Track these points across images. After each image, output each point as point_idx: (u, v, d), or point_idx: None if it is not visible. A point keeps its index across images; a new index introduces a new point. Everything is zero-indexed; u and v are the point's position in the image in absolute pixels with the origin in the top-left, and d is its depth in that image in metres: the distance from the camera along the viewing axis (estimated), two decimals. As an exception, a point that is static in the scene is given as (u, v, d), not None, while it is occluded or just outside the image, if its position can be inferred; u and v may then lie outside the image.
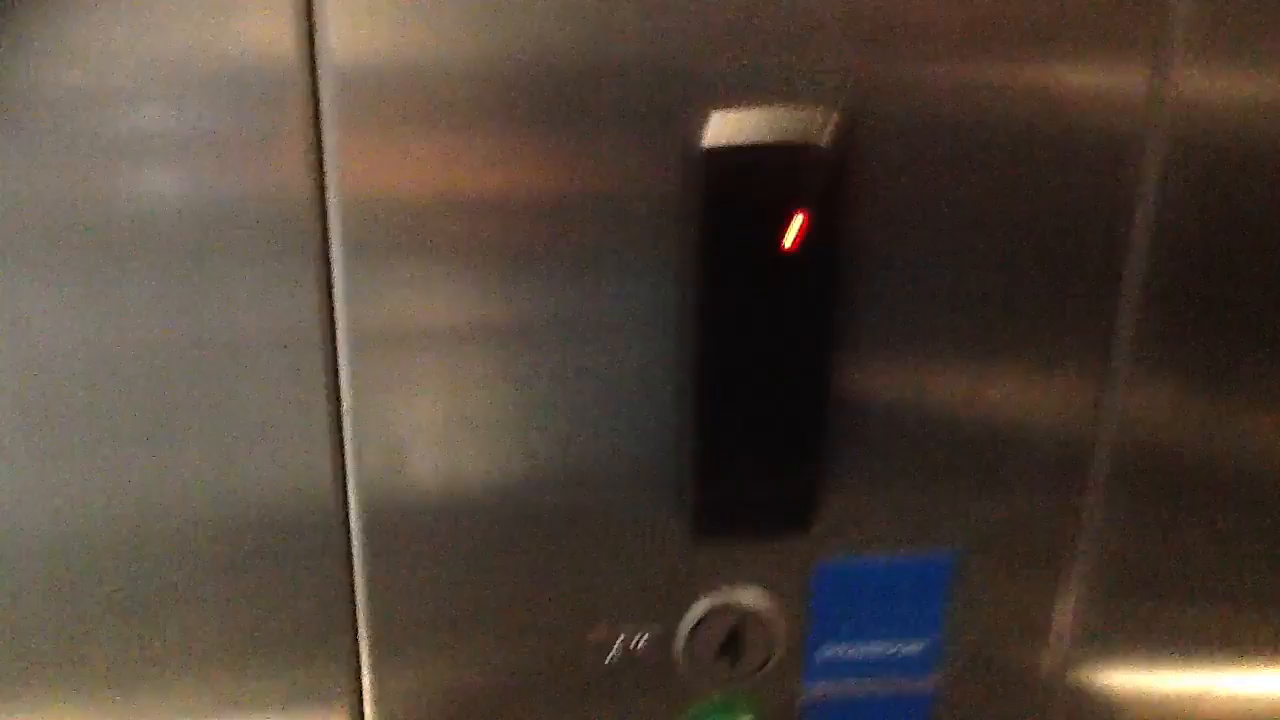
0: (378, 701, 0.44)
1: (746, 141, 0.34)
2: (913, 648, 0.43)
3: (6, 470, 0.41)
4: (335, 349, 0.39)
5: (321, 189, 0.36)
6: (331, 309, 0.39)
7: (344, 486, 0.41)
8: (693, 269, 0.36)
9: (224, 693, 0.45)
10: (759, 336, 0.36)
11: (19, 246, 0.37)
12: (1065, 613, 0.45)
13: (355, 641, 0.43)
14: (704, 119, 0.34)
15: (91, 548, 0.42)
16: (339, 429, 0.40)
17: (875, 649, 0.43)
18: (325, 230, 0.37)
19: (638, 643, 0.42)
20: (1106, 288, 0.39)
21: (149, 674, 0.44)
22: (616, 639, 0.43)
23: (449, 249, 0.37)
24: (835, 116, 0.34)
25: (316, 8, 0.33)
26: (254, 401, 0.40)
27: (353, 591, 0.43)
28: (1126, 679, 0.47)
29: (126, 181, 0.36)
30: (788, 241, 0.34)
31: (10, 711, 0.45)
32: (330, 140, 0.35)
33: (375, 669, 0.44)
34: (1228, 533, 0.45)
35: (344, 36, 0.33)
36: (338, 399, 0.40)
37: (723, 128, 0.34)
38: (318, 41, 0.34)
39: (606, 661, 0.43)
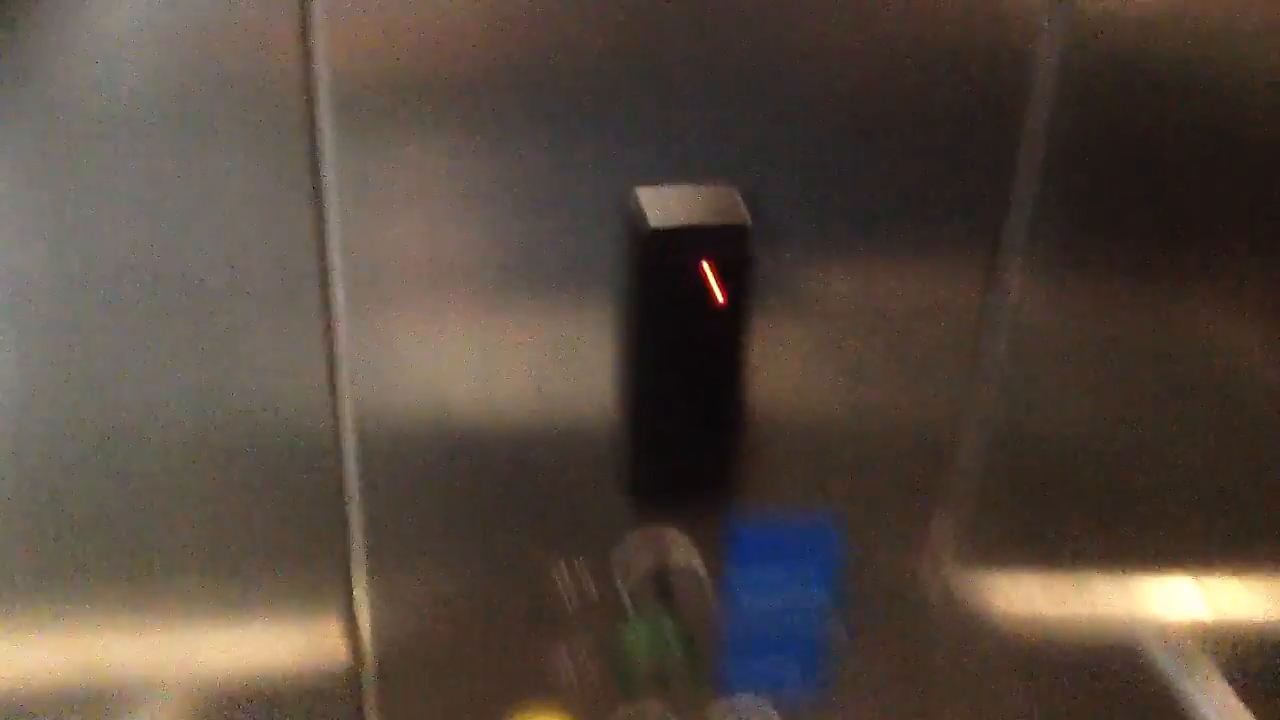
0: (370, 607, 0.47)
1: (684, 223, 0.38)
2: (812, 578, 0.49)
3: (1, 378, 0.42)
4: (327, 267, 0.40)
5: (309, 71, 0.37)
6: (323, 223, 0.40)
7: (336, 402, 0.43)
8: (632, 316, 0.40)
9: (222, 599, 0.47)
10: (687, 363, 0.41)
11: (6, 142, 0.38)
12: (943, 530, 0.49)
13: (347, 551, 0.46)
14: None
15: (87, 456, 0.43)
16: (331, 344, 0.42)
17: (781, 581, 0.49)
18: (313, 116, 0.38)
19: (585, 576, 0.47)
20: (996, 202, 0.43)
21: (147, 581, 0.46)
22: (568, 571, 0.47)
23: (436, 149, 0.38)
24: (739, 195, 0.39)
25: None
26: (248, 311, 0.41)
27: (345, 504, 0.45)
28: (997, 585, 0.52)
29: (113, 68, 0.36)
30: (717, 297, 0.39)
31: (11, 616, 0.46)
32: (318, 15, 0.36)
33: (366, 577, 0.47)
34: (1100, 448, 0.49)
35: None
36: (329, 315, 0.41)
37: (658, 206, 0.38)
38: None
39: (560, 588, 0.47)
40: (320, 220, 0.38)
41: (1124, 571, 0.52)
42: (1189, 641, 0.54)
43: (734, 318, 0.40)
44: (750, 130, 0.39)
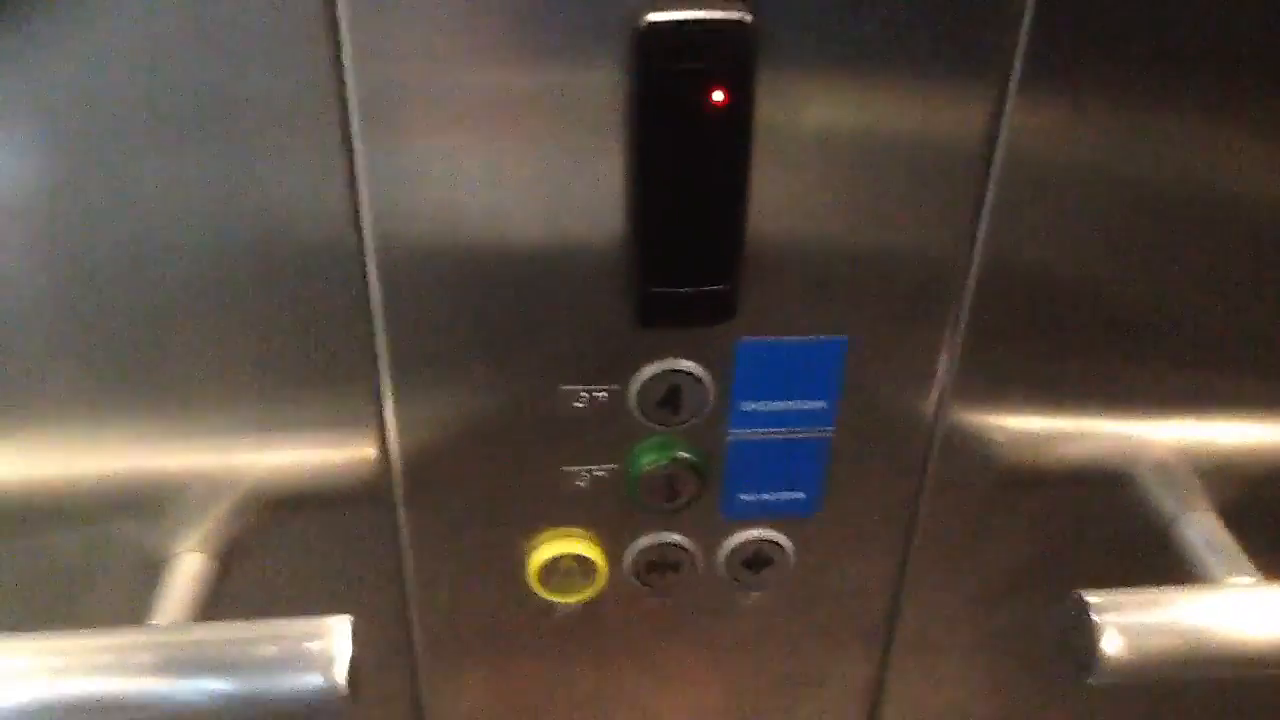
0: (400, 427, 0.50)
1: (682, 17, 0.40)
2: (815, 405, 0.51)
3: (4, 189, 0.43)
4: (344, 86, 0.41)
5: None
6: (338, 40, 0.41)
7: (359, 221, 0.44)
8: (635, 120, 0.42)
9: (256, 419, 0.49)
10: (691, 169, 0.43)
11: None
12: (945, 366, 0.51)
13: (376, 371, 0.48)
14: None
15: (112, 275, 0.45)
16: (352, 164, 0.43)
17: (785, 405, 0.51)
18: None
19: (600, 395, 0.50)
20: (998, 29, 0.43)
21: (176, 400, 0.48)
22: (584, 391, 0.50)
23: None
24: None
25: None
26: (268, 130, 0.42)
27: (371, 324, 0.47)
28: (998, 421, 0.54)
29: None
30: (717, 96, 0.41)
31: (37, 437, 0.49)
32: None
33: (397, 398, 0.49)
34: (1102, 281, 0.50)
35: None
36: (349, 133, 0.42)
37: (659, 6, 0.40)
38: None
39: (576, 406, 0.50)
40: (335, 39, 0.40)
41: (1122, 405, 0.54)
42: (1182, 474, 0.56)
43: (735, 119, 0.42)
44: None
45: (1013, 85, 0.44)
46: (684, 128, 0.42)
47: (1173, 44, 0.44)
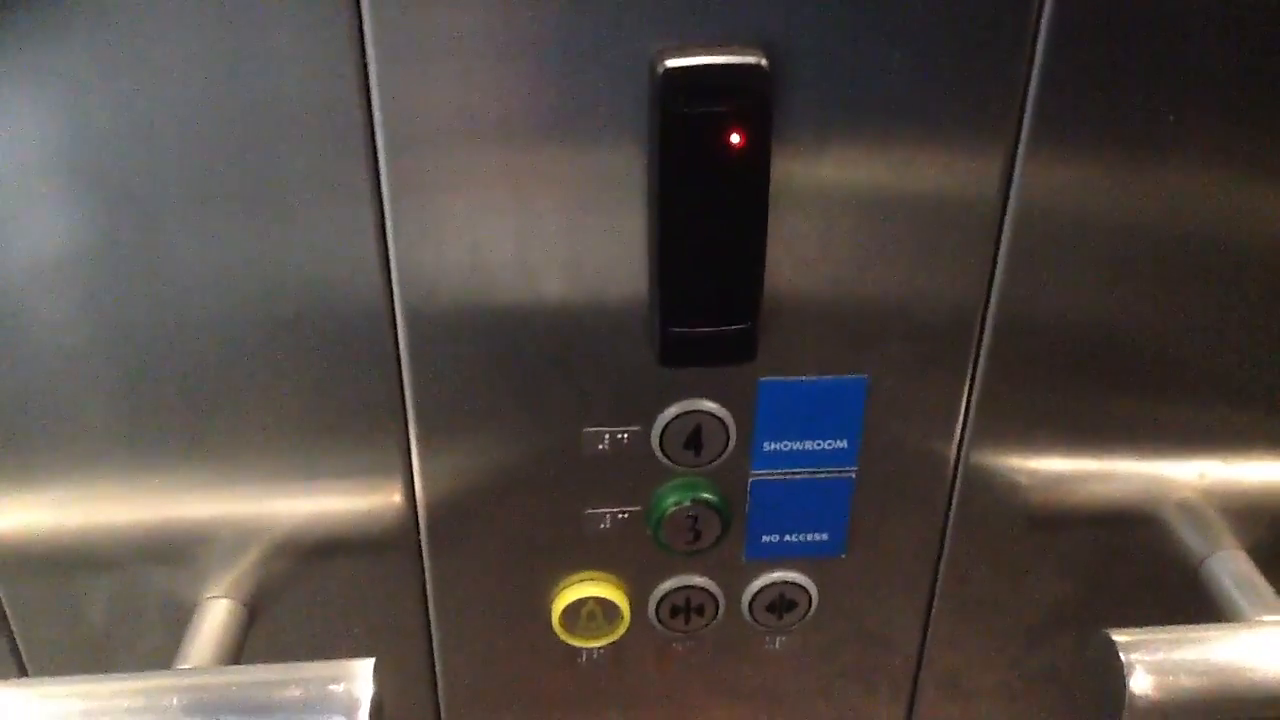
0: (425, 475, 0.51)
1: (701, 62, 0.41)
2: (837, 444, 0.52)
3: (51, 245, 0.44)
4: (374, 136, 0.42)
5: None
6: (369, 95, 0.42)
7: (389, 278, 0.45)
8: (656, 164, 0.43)
9: (286, 469, 0.50)
10: (711, 211, 0.44)
11: (30, 9, 0.39)
12: (966, 407, 0.51)
13: (405, 422, 0.49)
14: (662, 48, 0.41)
15: (151, 330, 0.46)
16: (382, 220, 0.44)
17: (807, 445, 0.52)
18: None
19: (623, 437, 0.50)
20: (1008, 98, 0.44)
21: (209, 451, 0.49)
22: (607, 433, 0.50)
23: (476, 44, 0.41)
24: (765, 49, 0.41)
25: None
26: (304, 194, 0.43)
27: (399, 375, 0.48)
28: (1021, 462, 0.54)
29: None
30: (735, 139, 0.42)
31: (74, 487, 0.50)
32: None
33: (422, 445, 0.50)
34: (1113, 334, 0.50)
35: None
36: (379, 189, 0.43)
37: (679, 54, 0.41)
38: None
39: (600, 449, 0.51)
40: (365, 86, 0.42)
41: (1146, 445, 0.54)
42: (1209, 513, 0.56)
43: (753, 161, 0.43)
44: (777, 2, 0.41)
45: (1024, 135, 0.45)
46: (703, 170, 0.43)
47: (1176, 97, 0.45)
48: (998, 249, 0.48)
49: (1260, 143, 0.46)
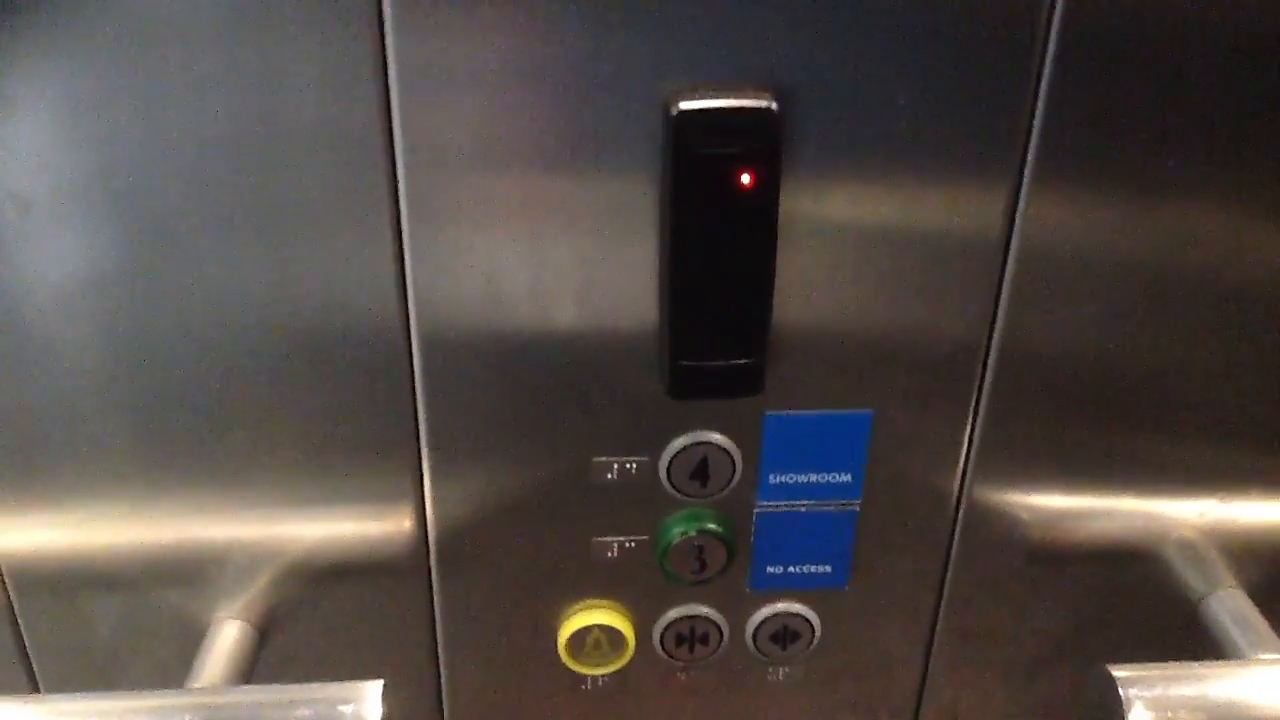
0: (436, 501, 0.51)
1: (712, 104, 0.42)
2: (842, 478, 0.52)
3: (70, 266, 0.45)
4: (395, 167, 0.43)
5: None
6: (390, 122, 0.43)
7: (405, 304, 0.46)
8: (668, 201, 0.44)
9: (299, 493, 0.51)
10: (720, 248, 0.45)
11: (64, 26, 0.40)
12: (969, 441, 0.52)
13: (418, 448, 0.50)
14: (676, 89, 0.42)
15: (169, 353, 0.47)
16: (400, 246, 0.45)
17: (811, 478, 0.52)
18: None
19: (631, 467, 0.51)
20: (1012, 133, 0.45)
21: (223, 473, 0.50)
22: (615, 463, 0.51)
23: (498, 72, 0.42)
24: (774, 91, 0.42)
25: None
26: (324, 222, 0.44)
27: (415, 403, 0.49)
28: (1022, 497, 0.54)
29: None
30: (745, 179, 0.43)
31: (90, 506, 0.50)
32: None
33: (434, 472, 0.51)
34: (1115, 371, 0.51)
35: None
36: (398, 215, 0.44)
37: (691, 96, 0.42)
38: None
39: (608, 478, 0.51)
40: (387, 111, 0.43)
41: (1147, 483, 0.54)
42: (1209, 551, 0.56)
43: (762, 201, 0.44)
44: (785, 41, 0.42)
45: (1028, 173, 0.46)
46: (714, 208, 0.44)
47: (1178, 136, 0.46)
48: (1001, 286, 0.48)
49: (1262, 182, 0.47)
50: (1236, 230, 0.48)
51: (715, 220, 0.45)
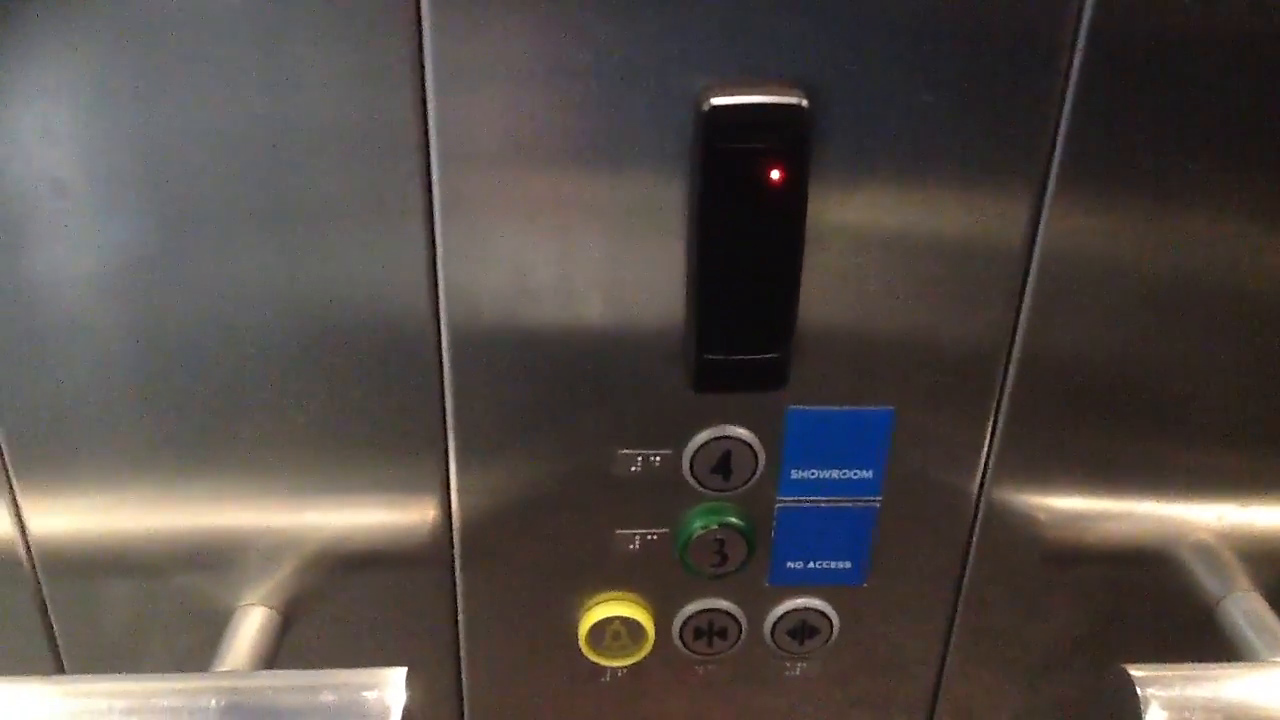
0: (462, 491, 0.52)
1: (743, 100, 0.43)
2: (863, 474, 0.53)
3: (104, 255, 0.45)
4: (429, 162, 0.44)
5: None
6: (425, 118, 0.43)
7: (436, 295, 0.47)
8: (697, 196, 0.44)
9: (326, 481, 0.51)
10: (748, 243, 0.46)
11: (96, 16, 0.41)
12: (989, 442, 0.52)
13: (445, 439, 0.51)
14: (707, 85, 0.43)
15: (201, 341, 0.47)
16: (433, 238, 0.46)
17: (833, 474, 0.53)
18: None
19: (654, 460, 0.52)
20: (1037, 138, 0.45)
21: (250, 460, 0.51)
22: (639, 455, 0.52)
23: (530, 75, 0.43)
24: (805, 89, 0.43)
25: None
26: (360, 217, 0.45)
27: (443, 394, 0.49)
28: (1041, 498, 0.54)
29: None
30: (775, 175, 0.44)
31: (118, 492, 0.51)
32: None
33: (461, 462, 0.51)
34: (1134, 375, 0.51)
35: None
36: (431, 208, 0.45)
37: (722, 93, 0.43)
38: None
39: (632, 471, 0.52)
40: (423, 107, 0.43)
41: (1164, 485, 0.55)
42: (1225, 554, 0.56)
43: (791, 197, 0.45)
44: (815, 40, 0.43)
45: (1052, 178, 0.46)
46: (743, 204, 0.45)
47: (1201, 145, 0.46)
48: (1023, 289, 0.49)
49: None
50: (1257, 238, 0.48)
51: (744, 216, 0.45)
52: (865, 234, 0.47)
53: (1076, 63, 0.44)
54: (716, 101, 0.43)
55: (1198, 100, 0.45)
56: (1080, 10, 0.43)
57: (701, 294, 0.47)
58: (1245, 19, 0.44)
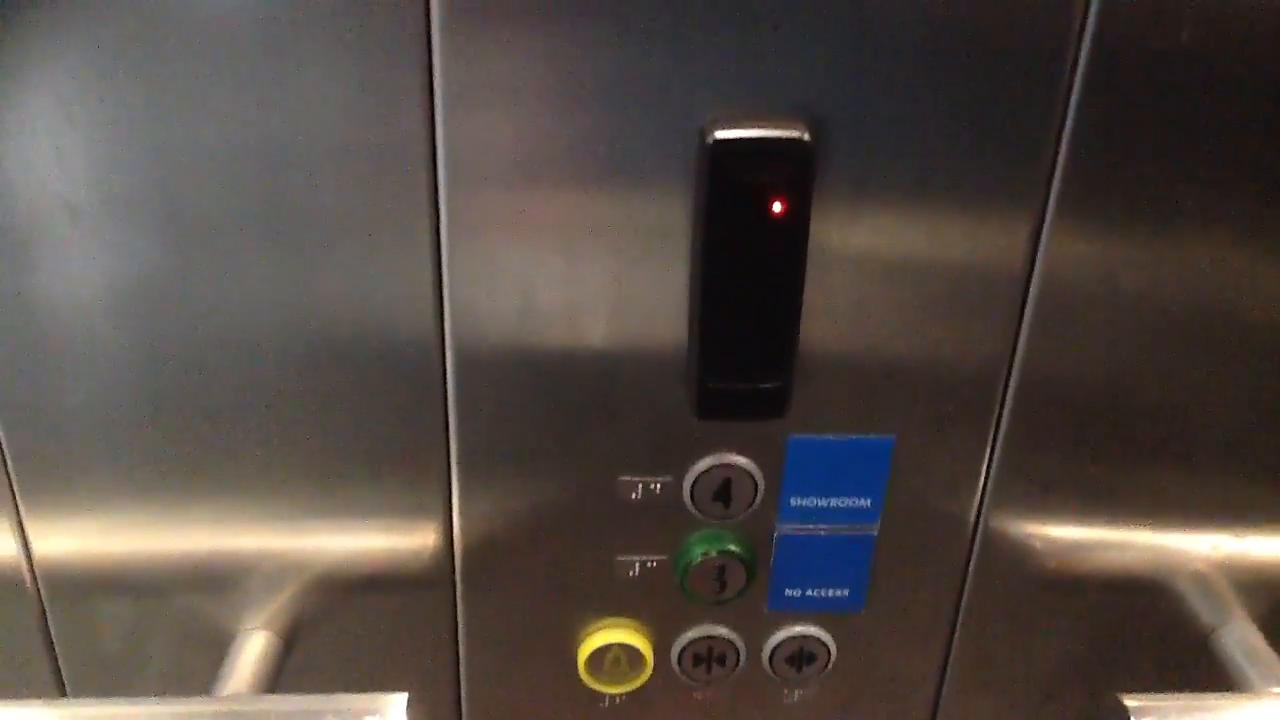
0: (464, 515, 0.52)
1: (747, 134, 0.43)
2: (861, 502, 0.53)
3: (98, 271, 0.45)
4: (437, 182, 0.44)
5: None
6: (434, 138, 0.43)
7: (442, 320, 0.47)
8: (701, 227, 0.45)
9: (328, 504, 0.52)
10: (751, 274, 0.46)
11: (103, 34, 0.41)
12: (987, 469, 0.53)
13: (448, 462, 0.51)
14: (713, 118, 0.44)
15: (206, 362, 0.48)
16: (439, 260, 0.46)
17: (832, 502, 0.53)
18: (428, 12, 0.41)
19: (655, 486, 0.52)
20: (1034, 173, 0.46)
21: (252, 482, 0.51)
22: (640, 482, 0.52)
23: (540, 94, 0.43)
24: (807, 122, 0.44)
25: None
26: (367, 237, 0.45)
27: (446, 416, 0.50)
28: (1038, 526, 0.55)
29: None
30: (777, 208, 0.45)
31: (120, 514, 0.51)
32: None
33: (463, 486, 0.51)
34: (1132, 403, 0.51)
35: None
36: (438, 233, 0.45)
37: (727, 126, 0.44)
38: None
39: (633, 497, 0.52)
40: (431, 127, 0.44)
41: (1160, 514, 0.55)
42: (1221, 584, 0.57)
43: (793, 229, 0.45)
44: (818, 71, 0.44)
45: (1051, 206, 0.47)
46: (746, 235, 0.45)
47: (1200, 171, 0.46)
48: (1022, 316, 0.49)
49: None
50: (1256, 265, 0.49)
51: (747, 246, 0.46)
52: (866, 260, 0.48)
53: (1075, 91, 0.44)
54: (721, 135, 0.43)
55: (1197, 125, 0.45)
56: (1080, 35, 0.44)
57: (704, 323, 0.47)
58: (1244, 44, 0.44)
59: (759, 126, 0.44)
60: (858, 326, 0.49)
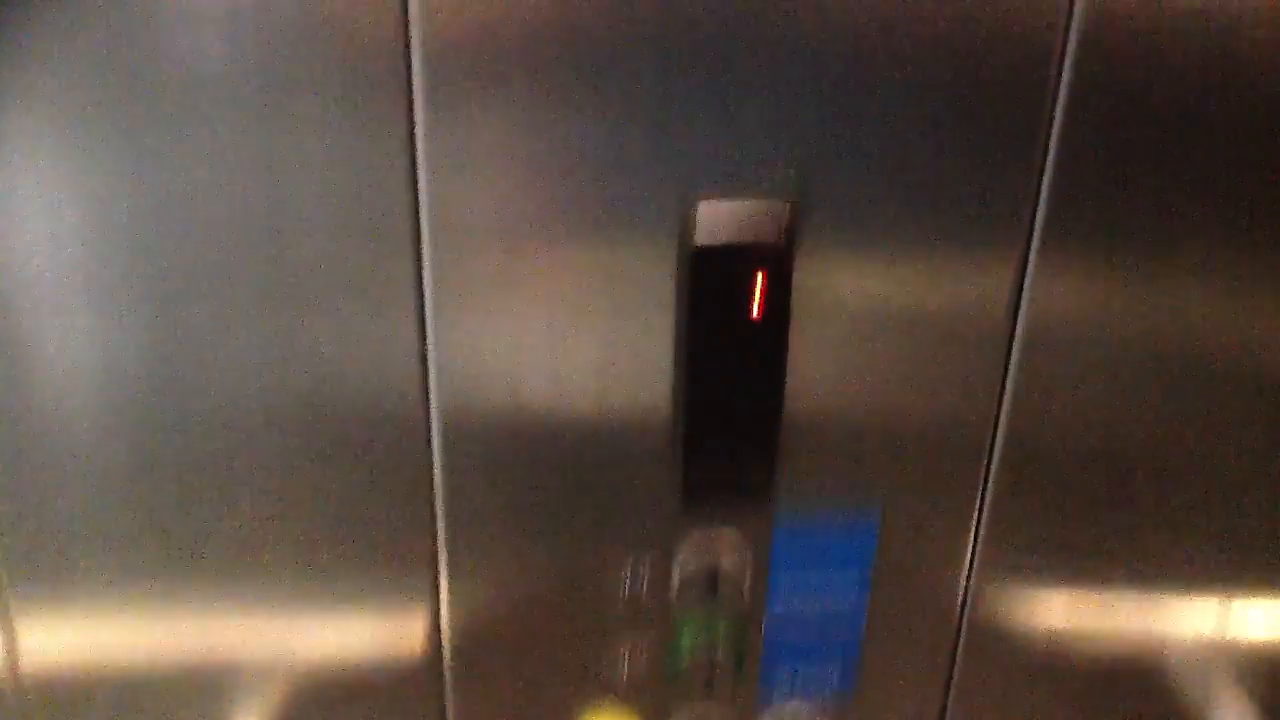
0: (452, 604, 0.52)
1: (726, 241, 0.44)
2: (849, 581, 0.53)
3: (79, 346, 0.45)
4: (420, 246, 0.44)
5: (406, 54, 0.41)
6: (417, 205, 0.43)
7: (427, 391, 0.47)
8: (683, 326, 0.45)
9: (313, 594, 0.51)
10: (733, 372, 0.47)
11: (90, 100, 0.40)
12: (974, 540, 0.52)
13: (435, 547, 0.50)
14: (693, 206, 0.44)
15: (178, 440, 0.47)
16: (422, 325, 0.46)
17: (819, 581, 0.53)
18: (409, 81, 0.41)
19: (642, 572, 0.52)
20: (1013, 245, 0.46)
21: (231, 566, 0.50)
22: (628, 568, 0.52)
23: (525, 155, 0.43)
24: (788, 209, 0.44)
25: None
26: (347, 306, 0.44)
27: (433, 501, 0.49)
28: (1027, 601, 0.55)
29: (208, 42, 0.40)
30: (754, 311, 0.45)
31: (106, 607, 0.50)
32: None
33: (451, 574, 0.51)
34: (1129, 458, 0.51)
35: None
36: (422, 299, 0.45)
37: (707, 223, 0.44)
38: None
39: (619, 582, 0.52)
40: (414, 191, 0.43)
41: (1150, 586, 0.55)
42: (1212, 659, 0.57)
43: (771, 330, 0.46)
44: (799, 141, 0.44)
45: (1031, 260, 0.46)
46: (726, 337, 0.46)
47: (1183, 217, 0.46)
48: (1006, 373, 0.49)
49: (1272, 263, 0.47)
50: (1244, 314, 0.48)
51: (727, 347, 0.46)
52: (850, 325, 0.47)
53: (1054, 140, 0.44)
54: (701, 243, 0.44)
55: (1178, 175, 0.45)
56: (1057, 86, 0.43)
57: (689, 418, 0.48)
58: (1226, 90, 0.43)
59: (739, 226, 0.44)
60: (839, 397, 0.49)
